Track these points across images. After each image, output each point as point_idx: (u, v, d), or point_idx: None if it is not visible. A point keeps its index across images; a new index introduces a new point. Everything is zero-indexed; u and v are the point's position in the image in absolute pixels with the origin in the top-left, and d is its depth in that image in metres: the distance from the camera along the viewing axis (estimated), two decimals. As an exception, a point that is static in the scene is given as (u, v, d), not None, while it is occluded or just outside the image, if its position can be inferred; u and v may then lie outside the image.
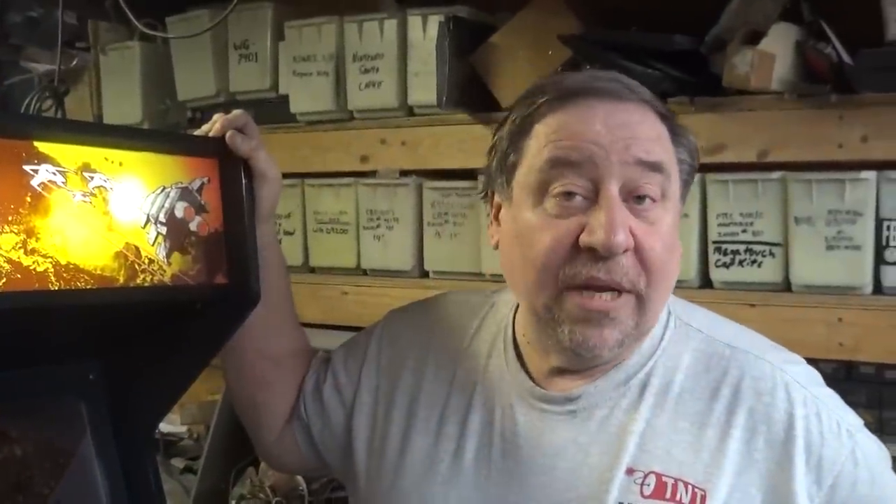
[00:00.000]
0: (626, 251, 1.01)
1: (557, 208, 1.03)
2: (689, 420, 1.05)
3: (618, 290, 1.02)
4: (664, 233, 1.04)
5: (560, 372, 1.11)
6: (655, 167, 1.03)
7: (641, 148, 1.02)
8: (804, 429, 1.03)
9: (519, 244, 1.07)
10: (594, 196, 1.02)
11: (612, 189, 1.01)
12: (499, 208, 1.14)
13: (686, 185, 1.11)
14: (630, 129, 1.03)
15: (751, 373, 1.07)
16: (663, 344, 1.10)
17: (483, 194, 1.18)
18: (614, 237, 0.99)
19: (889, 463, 1.08)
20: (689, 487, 1.02)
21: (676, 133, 1.09)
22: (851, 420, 1.07)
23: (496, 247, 1.14)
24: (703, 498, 1.01)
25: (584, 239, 1.00)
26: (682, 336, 1.11)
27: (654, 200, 1.03)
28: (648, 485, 1.03)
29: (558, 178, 1.03)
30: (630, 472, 1.04)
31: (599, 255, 1.00)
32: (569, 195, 1.02)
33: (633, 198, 1.02)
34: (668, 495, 1.02)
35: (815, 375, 1.11)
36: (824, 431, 1.03)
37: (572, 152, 1.02)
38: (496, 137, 1.13)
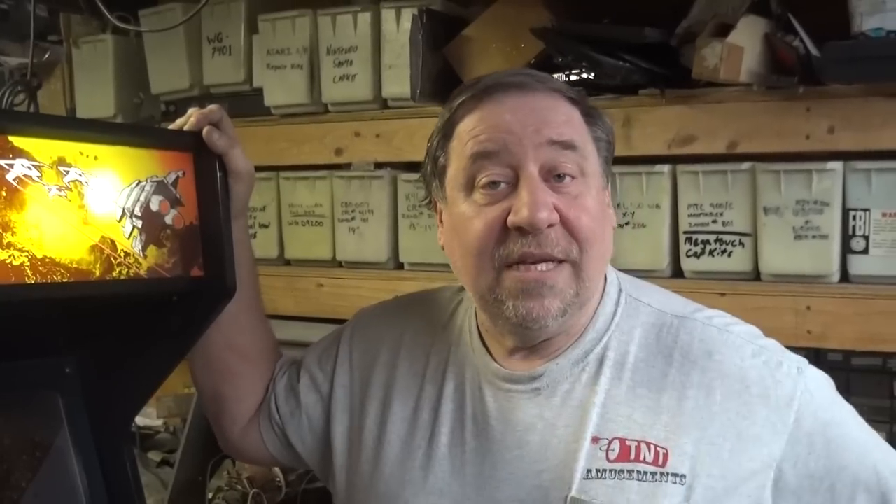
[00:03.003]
0: (552, 225, 1.07)
1: (485, 197, 1.10)
2: (647, 387, 1.11)
3: (552, 261, 1.08)
4: (588, 205, 1.11)
5: (520, 352, 1.16)
6: (568, 145, 1.10)
7: (553, 130, 1.10)
8: (757, 376, 1.10)
9: (456, 235, 1.14)
10: (516, 181, 1.09)
11: (531, 169, 1.08)
12: (441, 211, 1.20)
13: (607, 161, 1.17)
14: (539, 114, 1.11)
15: (699, 336, 1.13)
16: (616, 320, 1.16)
17: (427, 201, 1.25)
18: (537, 213, 1.06)
19: (833, 385, 1.15)
20: (652, 447, 1.08)
21: (590, 115, 1.16)
22: (796, 358, 1.14)
23: (443, 247, 1.20)
24: (665, 455, 1.07)
25: (511, 219, 1.07)
26: (633, 311, 1.17)
27: (573, 177, 1.10)
28: (613, 450, 1.08)
29: (481, 171, 1.11)
30: (595, 440, 1.09)
31: (527, 231, 1.06)
32: (493, 184, 1.10)
33: (554, 177, 1.10)
34: (632, 457, 1.08)
35: (756, 331, 1.17)
36: (775, 374, 1.11)
37: (489, 144, 1.10)
38: (428, 145, 1.20)
